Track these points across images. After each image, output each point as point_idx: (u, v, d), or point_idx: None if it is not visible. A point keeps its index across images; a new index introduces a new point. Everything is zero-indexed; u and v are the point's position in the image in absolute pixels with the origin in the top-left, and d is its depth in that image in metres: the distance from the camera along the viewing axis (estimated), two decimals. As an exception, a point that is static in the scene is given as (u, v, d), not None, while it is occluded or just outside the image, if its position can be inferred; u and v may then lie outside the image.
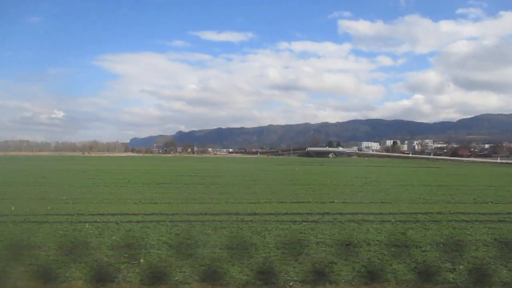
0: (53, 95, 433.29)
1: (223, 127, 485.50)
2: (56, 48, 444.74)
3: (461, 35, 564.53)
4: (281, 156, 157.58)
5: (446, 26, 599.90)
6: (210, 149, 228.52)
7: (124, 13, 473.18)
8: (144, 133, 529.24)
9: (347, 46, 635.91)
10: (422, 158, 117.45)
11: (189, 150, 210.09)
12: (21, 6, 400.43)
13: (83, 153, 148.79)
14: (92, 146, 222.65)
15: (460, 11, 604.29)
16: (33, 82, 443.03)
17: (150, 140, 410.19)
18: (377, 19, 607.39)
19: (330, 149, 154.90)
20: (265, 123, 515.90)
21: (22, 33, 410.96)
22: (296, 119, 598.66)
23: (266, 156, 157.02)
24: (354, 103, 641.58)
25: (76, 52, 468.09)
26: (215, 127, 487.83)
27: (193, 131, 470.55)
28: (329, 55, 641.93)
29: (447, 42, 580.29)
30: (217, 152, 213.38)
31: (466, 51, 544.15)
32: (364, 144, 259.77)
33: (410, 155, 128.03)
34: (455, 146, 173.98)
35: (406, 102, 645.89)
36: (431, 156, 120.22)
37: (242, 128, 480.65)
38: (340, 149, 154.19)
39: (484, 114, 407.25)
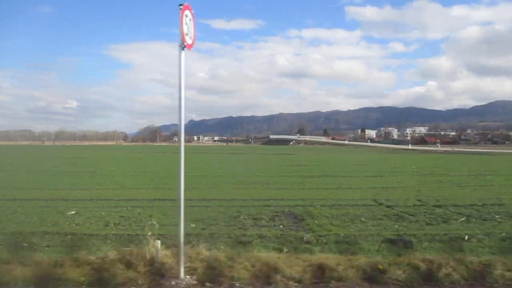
0: (66, 84, 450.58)
1: (234, 116, 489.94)
2: (66, 37, 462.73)
3: (473, 20, 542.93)
4: (244, 144, 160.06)
5: (457, 10, 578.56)
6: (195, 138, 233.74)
7: (133, 3, 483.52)
8: (157, 122, 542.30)
9: (358, 33, 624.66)
10: (357, 145, 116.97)
11: (175, 139, 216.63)
12: None
13: (43, 142, 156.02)
14: (87, 135, 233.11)
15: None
16: (45, 71, 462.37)
17: (164, 128, 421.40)
18: (384, 4, 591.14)
19: (290, 137, 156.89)
20: (275, 111, 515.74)
21: (33, 22, 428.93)
22: (307, 107, 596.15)
23: (226, 144, 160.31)
24: (366, 90, 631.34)
25: (86, 41, 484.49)
26: (226, 116, 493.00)
27: (204, 119, 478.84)
28: (340, 41, 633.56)
29: (459, 27, 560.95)
30: (203, 141, 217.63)
31: (478, 36, 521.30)
32: (367, 132, 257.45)
33: (346, 142, 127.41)
34: (424, 133, 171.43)
35: (418, 89, 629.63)
36: (367, 144, 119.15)
37: (252, 116, 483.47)
38: (299, 137, 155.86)
39: (498, 100, 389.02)
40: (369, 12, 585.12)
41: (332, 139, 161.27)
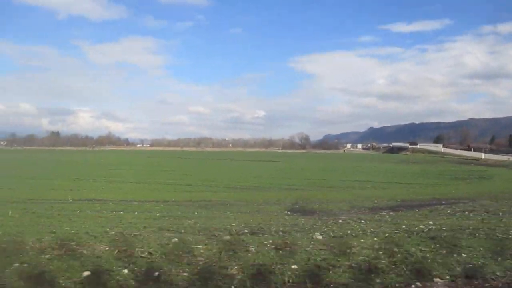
0: (256, 97, 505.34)
1: (416, 122, 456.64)
2: (254, 54, 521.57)
3: None
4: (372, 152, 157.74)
5: None
6: (348, 145, 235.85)
7: (312, 16, 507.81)
8: (336, 130, 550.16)
9: None
10: (448, 153, 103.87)
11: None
12: (226, 20, 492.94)
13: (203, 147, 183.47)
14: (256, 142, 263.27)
15: None
16: (239, 86, 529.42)
17: (342, 136, 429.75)
18: None
19: (406, 145, 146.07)
20: (465, 116, 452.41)
21: (226, 43, 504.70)
22: (505, 111, 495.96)
23: (343, 151, 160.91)
24: None
25: (272, 56, 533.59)
26: (407, 122, 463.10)
27: (384, 126, 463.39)
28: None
29: None
30: (348, 149, 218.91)
31: None
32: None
33: (442, 150, 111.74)
34: None
35: None
36: (454, 152, 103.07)
37: (438, 122, 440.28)
38: (410, 145, 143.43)
39: None
40: None
41: (468, 147, 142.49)
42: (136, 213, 15.42)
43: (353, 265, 5.51)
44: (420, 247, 6.55)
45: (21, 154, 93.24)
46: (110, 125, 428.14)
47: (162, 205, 17.66)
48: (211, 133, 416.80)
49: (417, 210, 16.14)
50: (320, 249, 6.61)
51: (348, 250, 6.34)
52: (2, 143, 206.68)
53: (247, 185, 27.83)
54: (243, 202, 18.76)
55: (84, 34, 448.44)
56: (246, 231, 10.38)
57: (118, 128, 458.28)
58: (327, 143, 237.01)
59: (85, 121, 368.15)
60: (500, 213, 12.62)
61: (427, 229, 9.32)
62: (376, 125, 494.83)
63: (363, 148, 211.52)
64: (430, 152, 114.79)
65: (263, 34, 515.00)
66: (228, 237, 8.71)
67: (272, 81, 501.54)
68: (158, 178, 33.24)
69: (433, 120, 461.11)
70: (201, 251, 6.58)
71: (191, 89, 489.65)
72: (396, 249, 6.37)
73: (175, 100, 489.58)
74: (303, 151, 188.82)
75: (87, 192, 22.30)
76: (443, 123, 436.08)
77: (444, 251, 6.35)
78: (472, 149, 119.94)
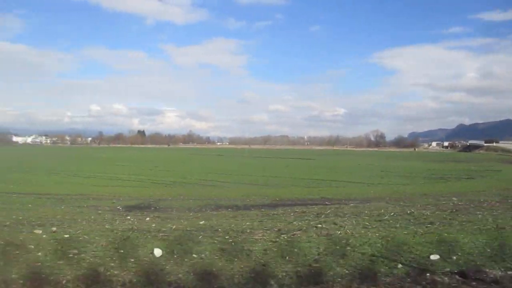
0: (335, 94, 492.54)
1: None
2: (334, 51, 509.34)
3: None
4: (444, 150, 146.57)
5: None
6: (426, 144, 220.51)
7: (394, 8, 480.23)
8: (423, 127, 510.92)
9: None
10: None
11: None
12: (305, 18, 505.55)
13: (249, 146, 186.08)
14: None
15: None
16: (318, 83, 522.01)
17: (429, 134, 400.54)
18: None
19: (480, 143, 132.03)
20: None
21: (305, 41, 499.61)
22: None
23: (414, 149, 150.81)
24: None
25: (352, 53, 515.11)
26: (503, 119, 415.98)
27: (476, 123, 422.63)
28: None
29: None
30: (425, 147, 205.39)
31: None
32: None
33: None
34: None
35: None
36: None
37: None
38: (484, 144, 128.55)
39: None
40: None
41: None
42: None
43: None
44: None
45: (76, 151, 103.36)
46: (195, 124, 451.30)
47: (43, 198, 19.03)
48: (291, 131, 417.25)
49: (263, 210, 15.31)
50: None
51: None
52: (96, 140, 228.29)
53: (179, 181, 28.53)
54: (111, 196, 19.52)
55: (169, 38, 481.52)
56: (7, 223, 11.29)
57: (202, 127, 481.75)
58: (405, 140, 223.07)
59: (171, 120, 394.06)
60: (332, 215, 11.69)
61: (146, 229, 9.18)
62: (467, 121, 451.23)
63: (443, 147, 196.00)
64: (503, 150, 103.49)
65: (343, 31, 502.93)
66: None
67: (352, 78, 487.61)
68: (133, 173, 35.31)
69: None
70: None
71: (270, 87, 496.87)
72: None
73: (255, 99, 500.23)
74: (375, 149, 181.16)
75: (32, 186, 24.72)
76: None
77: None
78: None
